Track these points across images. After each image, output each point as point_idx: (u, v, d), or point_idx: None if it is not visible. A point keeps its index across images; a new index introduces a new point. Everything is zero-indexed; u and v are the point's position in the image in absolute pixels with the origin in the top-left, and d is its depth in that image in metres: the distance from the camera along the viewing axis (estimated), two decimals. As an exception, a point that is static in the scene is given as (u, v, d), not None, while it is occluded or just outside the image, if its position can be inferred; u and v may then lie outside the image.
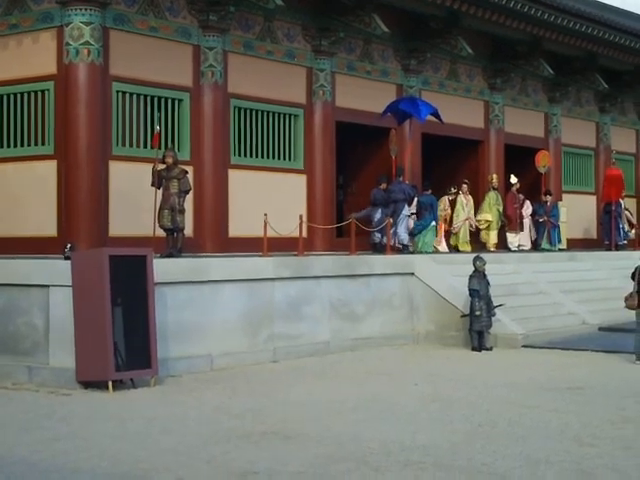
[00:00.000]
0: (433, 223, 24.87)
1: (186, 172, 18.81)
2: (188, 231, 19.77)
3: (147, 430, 12.12)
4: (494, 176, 28.37)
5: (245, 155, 22.34)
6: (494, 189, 28.07)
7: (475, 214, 27.57)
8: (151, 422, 12.63)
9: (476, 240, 27.66)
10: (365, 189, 25.12)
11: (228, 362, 17.69)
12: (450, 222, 26.53)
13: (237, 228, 21.66)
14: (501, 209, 28.05)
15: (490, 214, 27.70)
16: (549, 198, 29.77)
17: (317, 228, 23.10)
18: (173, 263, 17.53)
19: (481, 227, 27.83)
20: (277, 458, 10.57)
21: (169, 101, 20.83)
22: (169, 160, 18.55)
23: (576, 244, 32.07)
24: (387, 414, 13.22)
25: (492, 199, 27.89)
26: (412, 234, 24.49)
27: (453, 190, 26.22)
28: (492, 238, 27.84)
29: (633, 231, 33.65)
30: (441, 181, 26.54)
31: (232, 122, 22.02)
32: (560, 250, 29.78)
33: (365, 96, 25.15)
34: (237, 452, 10.87)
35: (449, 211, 26.23)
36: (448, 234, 26.54)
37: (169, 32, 20.79)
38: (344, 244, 22.61)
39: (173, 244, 18.57)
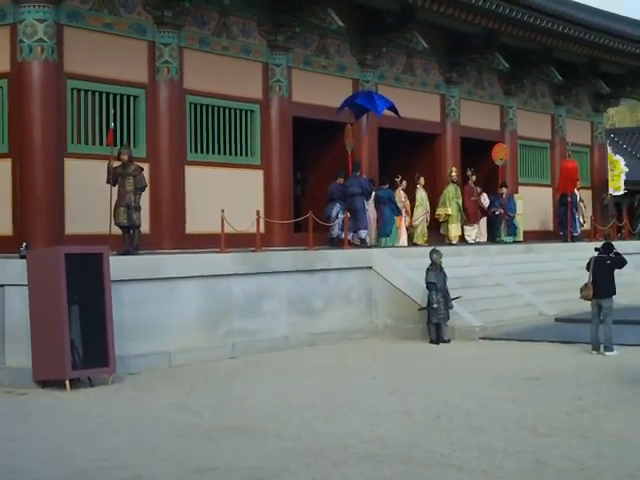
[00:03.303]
0: (394, 217, 24.95)
1: (142, 169, 18.71)
2: (144, 228, 19.65)
3: (105, 428, 12.09)
4: (453, 169, 28.48)
5: (201, 151, 22.26)
6: (453, 182, 28.17)
7: (435, 207, 27.66)
8: (109, 420, 12.60)
9: (436, 233, 27.76)
10: (322, 184, 25.14)
11: (186, 359, 17.68)
12: (411, 215, 26.57)
13: (194, 225, 21.59)
14: (460, 202, 28.15)
15: (450, 207, 27.80)
16: (505, 190, 29.92)
17: (275, 223, 23.08)
18: (130, 260, 17.47)
19: (441, 220, 27.92)
20: (236, 454, 10.59)
21: (124, 98, 20.70)
22: (124, 157, 18.45)
23: (532, 236, 32.28)
24: (346, 408, 13.26)
25: (451, 192, 27.98)
26: (377, 233, 24.59)
27: (397, 180, 26.07)
28: (453, 231, 27.94)
29: (587, 222, 33.87)
30: (399, 175, 26.53)
31: (188, 118, 21.91)
32: (516, 242, 29.96)
33: (321, 91, 25.14)
34: (195, 448, 10.86)
35: (407, 202, 26.25)
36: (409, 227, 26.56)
37: (124, 28, 20.66)
38: (302, 239, 22.62)
39: (129, 242, 18.47)
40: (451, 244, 27.08)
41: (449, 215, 27.81)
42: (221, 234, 19.69)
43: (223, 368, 17.31)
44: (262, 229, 21.39)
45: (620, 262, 19.22)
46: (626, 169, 37.29)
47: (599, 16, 32.44)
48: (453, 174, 28.22)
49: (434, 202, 27.73)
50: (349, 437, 11.35)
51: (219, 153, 22.65)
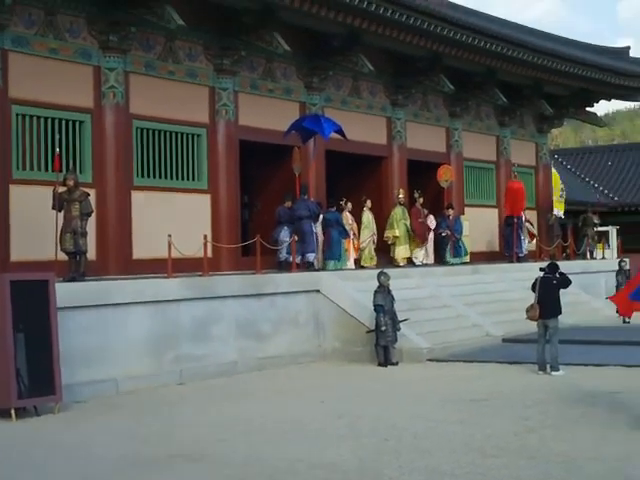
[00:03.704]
0: (342, 240, 25.00)
1: (88, 194, 18.60)
2: (91, 254, 19.54)
3: (51, 458, 11.98)
4: (400, 191, 28.59)
5: (148, 176, 22.18)
6: (400, 204, 28.29)
7: (382, 230, 27.76)
8: (55, 449, 12.48)
9: (384, 255, 27.85)
10: (270, 207, 25.15)
11: (134, 385, 17.56)
12: (358, 237, 26.64)
13: (141, 250, 21.49)
14: (408, 224, 28.27)
15: (397, 229, 27.91)
16: (451, 212, 30.11)
17: (222, 248, 23.04)
18: (76, 287, 17.37)
19: (389, 243, 28.01)
20: (184, 481, 10.56)
21: (70, 123, 20.60)
22: (70, 183, 18.34)
23: (479, 257, 32.51)
24: (294, 433, 13.26)
25: (398, 214, 28.10)
26: (324, 256, 24.63)
27: (342, 203, 26.13)
28: (401, 253, 28.04)
29: (534, 241, 34.18)
30: (346, 198, 26.61)
31: (135, 143, 21.85)
32: (463, 263, 30.13)
33: (268, 114, 25.18)
34: (144, 477, 10.81)
35: (354, 225, 26.33)
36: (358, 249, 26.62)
37: (69, 53, 20.59)
38: (250, 263, 22.59)
39: (76, 268, 18.34)
40: (399, 266, 27.18)
41: (397, 237, 27.93)
42: (168, 259, 19.63)
43: (171, 394, 17.22)
44: (210, 253, 21.35)
45: (565, 282, 19.41)
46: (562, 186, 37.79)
47: (542, 38, 32.89)
48: (400, 196, 28.34)
49: (381, 224, 27.84)
50: (298, 462, 11.34)
51: (166, 178, 22.58)
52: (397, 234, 27.90)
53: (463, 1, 30.03)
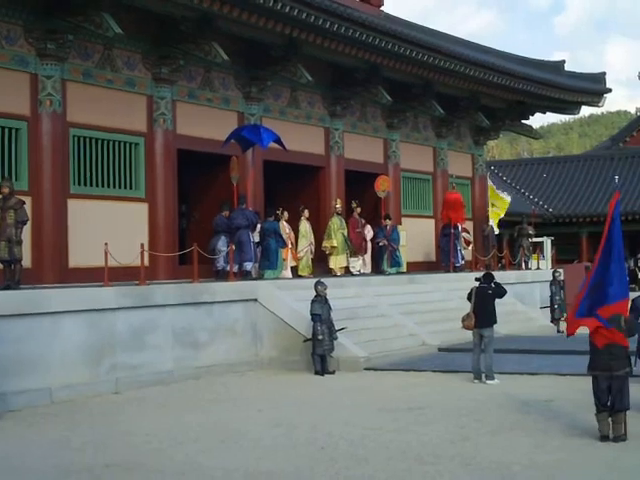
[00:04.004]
0: (279, 249, 25.01)
1: (23, 202, 18.44)
2: (26, 262, 19.38)
3: (-15, 467, 11.86)
4: (338, 201, 28.65)
5: (85, 184, 22.01)
6: (338, 214, 28.36)
7: (319, 239, 27.80)
8: (-11, 459, 12.35)
9: (322, 265, 27.90)
10: (208, 216, 25.10)
11: (69, 395, 17.41)
12: (296, 247, 26.67)
13: (77, 258, 21.34)
14: (345, 234, 28.34)
15: (335, 239, 27.96)
16: (389, 222, 30.27)
17: (159, 256, 22.94)
18: (10, 295, 17.19)
19: (327, 253, 28.06)
20: (119, 490, 10.50)
21: (6, 130, 20.39)
22: (5, 190, 18.17)
23: (416, 267, 32.71)
24: (231, 441, 13.25)
25: (336, 224, 28.15)
26: (261, 266, 24.62)
27: (278, 212, 26.13)
28: (339, 263, 28.10)
29: (470, 247, 34.40)
30: (283, 207, 26.63)
31: (71, 151, 21.67)
32: (400, 273, 30.29)
33: (207, 124, 25.14)
34: (79, 486, 10.74)
35: (292, 234, 26.35)
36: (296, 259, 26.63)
37: (5, 61, 20.37)
38: (187, 272, 22.50)
39: (10, 276, 18.16)
40: (336, 276, 27.25)
41: (334, 247, 27.98)
42: (105, 268, 19.51)
43: (106, 403, 17.10)
44: (147, 262, 21.26)
45: (500, 292, 19.61)
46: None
47: (479, 51, 33.27)
48: (338, 206, 28.40)
49: (319, 234, 27.89)
50: (234, 471, 11.34)
51: (103, 186, 22.43)
52: (335, 244, 27.94)
53: (402, 13, 30.36)
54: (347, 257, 28.31)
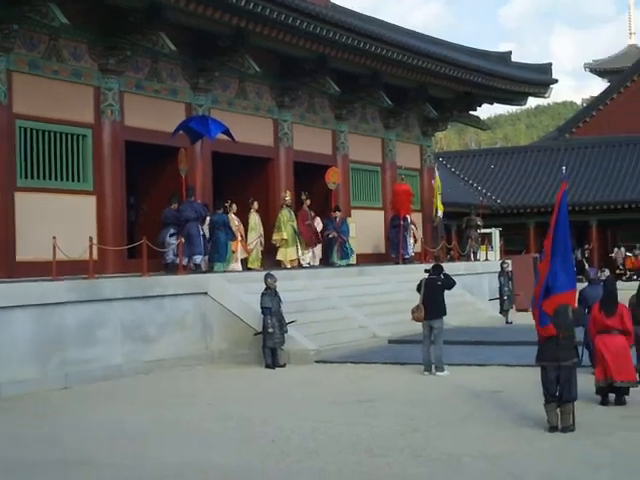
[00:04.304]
0: (229, 242, 24.93)
1: (-31, 196, 18.26)
2: (-27, 256, 19.20)
3: None
4: (287, 193, 28.57)
5: (32, 177, 21.78)
6: (287, 206, 28.29)
7: (268, 232, 27.71)
8: (-64, 456, 12.21)
9: (272, 257, 27.83)
10: (157, 209, 24.94)
11: (18, 390, 17.23)
12: (245, 239, 26.57)
13: (25, 252, 21.09)
14: (295, 226, 28.27)
15: (285, 232, 27.89)
16: (338, 214, 30.26)
17: (108, 250, 22.75)
18: (-43, 290, 17.01)
19: (277, 245, 27.98)
20: (69, 486, 10.42)
21: (-50, 122, 20.19)
22: (-49, 184, 17.98)
23: (365, 259, 32.75)
24: (182, 435, 13.19)
25: (285, 216, 28.06)
26: (211, 259, 24.51)
27: (227, 205, 26.03)
28: (289, 255, 28.03)
29: (417, 242, 34.45)
30: (232, 199, 26.52)
31: (18, 143, 21.43)
32: (350, 265, 30.31)
33: (154, 115, 24.97)
34: (27, 482, 10.65)
35: (241, 226, 26.24)
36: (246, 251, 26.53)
37: (-47, 52, 20.18)
38: (136, 265, 22.35)
39: (-43, 270, 17.99)
40: (286, 268, 27.20)
41: (284, 239, 27.90)
42: (53, 261, 19.33)
43: (56, 399, 16.96)
44: (95, 256, 21.07)
45: (449, 283, 19.69)
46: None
47: (427, 42, 33.36)
48: (287, 198, 28.31)
49: (268, 226, 27.81)
50: (184, 465, 11.29)
51: (50, 179, 22.21)
52: (284, 236, 27.86)
53: (350, 4, 30.34)
54: (297, 249, 28.23)
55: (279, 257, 27.93)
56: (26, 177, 21.64)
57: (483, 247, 39.27)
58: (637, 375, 15.42)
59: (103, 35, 23.30)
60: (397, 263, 32.10)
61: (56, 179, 22.36)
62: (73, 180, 22.85)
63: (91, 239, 20.78)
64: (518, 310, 30.27)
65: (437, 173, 38.08)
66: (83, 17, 22.53)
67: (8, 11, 20.72)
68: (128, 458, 11.78)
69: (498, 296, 30.80)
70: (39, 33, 21.93)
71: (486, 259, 38.58)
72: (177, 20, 23.76)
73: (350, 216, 32.27)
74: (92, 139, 23.30)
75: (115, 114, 23.74)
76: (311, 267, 28.48)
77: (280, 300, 20.93)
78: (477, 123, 42.73)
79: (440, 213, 37.07)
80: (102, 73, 23.53)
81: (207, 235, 24.51)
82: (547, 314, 13.06)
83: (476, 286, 33.36)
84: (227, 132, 24.37)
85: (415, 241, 34.01)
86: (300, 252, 28.39)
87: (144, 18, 22.97)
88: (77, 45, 22.96)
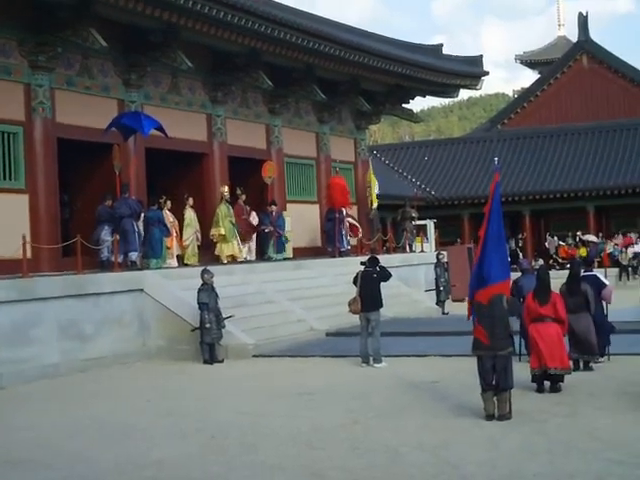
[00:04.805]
0: (163, 238, 24.81)
1: None
2: None
3: None
4: (225, 188, 28.46)
5: (-38, 175, 21.55)
6: (226, 201, 28.20)
7: (204, 227, 27.61)
8: None
9: (210, 253, 27.73)
10: (91, 206, 24.70)
11: (-49, 391, 17.07)
12: (180, 235, 26.46)
13: (-44, 251, 20.87)
14: (233, 221, 28.17)
15: (222, 227, 27.80)
16: (274, 208, 30.24)
17: (42, 248, 22.49)
18: None
19: (215, 240, 27.88)
20: (7, 487, 10.32)
21: None
22: None
23: (302, 252, 32.76)
24: (120, 433, 13.13)
25: (223, 212, 27.94)
26: (146, 255, 24.36)
27: (161, 201, 25.90)
28: (226, 250, 27.93)
29: (359, 234, 34.53)
30: (167, 195, 26.38)
31: (-53, 142, 21.19)
32: (286, 259, 30.32)
33: (86, 112, 24.72)
34: (-36, 485, 10.53)
35: (175, 222, 26.13)
36: (181, 248, 26.43)
37: None
38: (71, 263, 22.15)
39: None
40: (222, 263, 27.10)
41: (222, 235, 27.80)
42: (-16, 261, 19.14)
43: (-9, 399, 16.81)
44: (29, 254, 20.84)
45: (385, 275, 19.78)
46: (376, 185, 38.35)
47: (359, 35, 33.43)
48: (225, 193, 28.24)
49: (203, 222, 27.71)
50: (124, 462, 11.25)
51: (-19, 177, 21.96)
52: (222, 232, 27.76)
53: (282, -1, 30.28)
54: (236, 244, 28.10)
55: (217, 252, 27.83)
56: (-44, 176, 21.35)
57: (418, 239, 39.47)
58: (570, 362, 15.67)
59: (33, 31, 23.03)
60: (333, 256, 32.15)
61: (-13, 178, 22.09)
62: (5, 178, 22.57)
63: (24, 237, 20.56)
64: (454, 300, 30.50)
65: (371, 166, 38.23)
66: (11, 13, 22.25)
67: None
68: (66, 458, 11.70)
69: (434, 287, 31.02)
70: (-34, 31, 21.64)
71: (421, 250, 38.79)
72: (107, 15, 23.54)
73: (286, 210, 32.25)
74: (23, 137, 23.03)
75: (46, 111, 23.49)
76: (248, 262, 28.41)
77: (217, 295, 20.90)
78: (410, 116, 42.90)
79: (375, 205, 37.23)
80: (32, 70, 23.27)
81: (142, 232, 24.36)
82: (480, 304, 13.21)
83: (412, 277, 33.54)
84: (160, 128, 24.24)
85: (358, 231, 34.08)
86: (240, 246, 28.29)
87: (74, 14, 22.74)
88: (6, 42, 22.67)
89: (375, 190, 37.48)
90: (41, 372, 19.04)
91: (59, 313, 19.93)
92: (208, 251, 27.75)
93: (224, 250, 27.79)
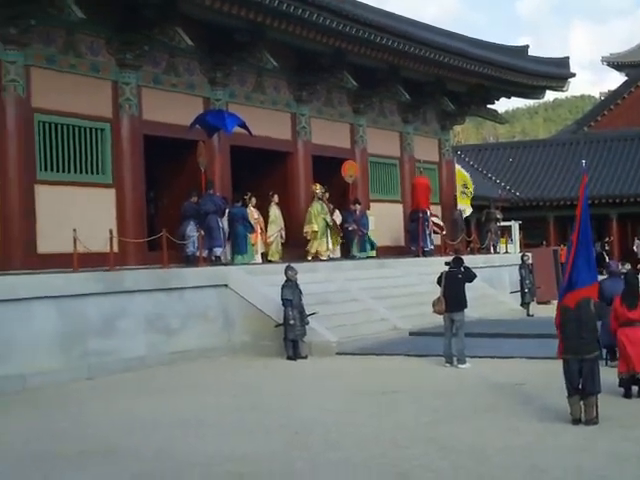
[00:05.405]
0: (248, 234, 24.95)
1: (-10, 189, 18.31)
2: (-5, 249, 19.26)
3: (-43, 456, 11.75)
4: (318, 186, 28.52)
5: (52, 170, 21.80)
6: (319, 199, 28.27)
7: (289, 225, 27.72)
8: (-39, 447, 12.24)
9: (293, 250, 27.81)
10: (176, 202, 24.98)
11: (42, 381, 17.32)
12: (265, 232, 26.59)
13: (46, 245, 21.12)
14: (327, 218, 28.24)
15: (316, 224, 27.89)
16: (358, 207, 30.23)
17: (129, 243, 22.77)
18: (-20, 282, 17.06)
19: (308, 238, 27.99)
20: (96, 477, 10.43)
21: (-32, 116, 20.23)
22: (-28, 177, 18.03)
23: (385, 251, 32.67)
24: (205, 427, 13.20)
25: (316, 209, 28.06)
26: (231, 251, 24.53)
27: (246, 198, 26.03)
28: (320, 247, 28.01)
29: (443, 232, 34.38)
30: (251, 193, 26.50)
31: (37, 137, 21.44)
32: (370, 258, 30.28)
33: (172, 109, 24.94)
34: (55, 473, 10.66)
35: (260, 219, 26.26)
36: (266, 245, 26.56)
37: (-31, 47, 20.21)
38: (157, 258, 22.35)
39: (-21, 263, 18.04)
40: (314, 260, 27.20)
41: (315, 232, 27.91)
42: (74, 254, 19.38)
43: (79, 390, 17.02)
44: (116, 248, 21.11)
45: (470, 276, 19.64)
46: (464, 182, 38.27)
47: (444, 36, 33.19)
48: (318, 191, 28.32)
49: (287, 219, 27.81)
50: (210, 456, 11.29)
51: (70, 172, 22.22)
52: (315, 229, 27.89)
53: (365, -2, 30.18)
54: (327, 242, 28.12)
55: (310, 249, 27.91)
56: (45, 170, 21.66)
57: (503, 240, 39.18)
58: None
59: (120, 30, 23.30)
60: (417, 256, 32.05)
61: (75, 172, 22.38)
62: (93, 173, 22.87)
63: (111, 232, 20.83)
64: (539, 303, 30.20)
65: (459, 166, 38.08)
66: (100, 12, 22.48)
67: (26, 7, 20.73)
68: (154, 449, 11.79)
69: (519, 289, 30.73)
70: (56, 28, 21.90)
71: (506, 252, 38.50)
72: (193, 14, 23.73)
73: (369, 209, 32.22)
74: (111, 133, 23.32)
75: (133, 108, 23.75)
76: (332, 259, 28.43)
77: (301, 292, 20.95)
78: (495, 117, 42.57)
79: (460, 206, 37.05)
80: (119, 67, 23.54)
81: (226, 228, 24.54)
82: (567, 308, 13.06)
83: (496, 279, 33.24)
84: (243, 125, 24.38)
85: (442, 230, 33.93)
86: (331, 245, 28.33)
87: (160, 13, 22.94)
88: (94, 40, 22.96)
89: (470, 190, 37.44)
90: (127, 364, 19.28)
91: (145, 306, 20.16)
92: (291, 248, 27.83)
93: (318, 247, 27.85)
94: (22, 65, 20.99)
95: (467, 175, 39.09)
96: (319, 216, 27.94)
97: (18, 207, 20.70)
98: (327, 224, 28.09)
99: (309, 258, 27.56)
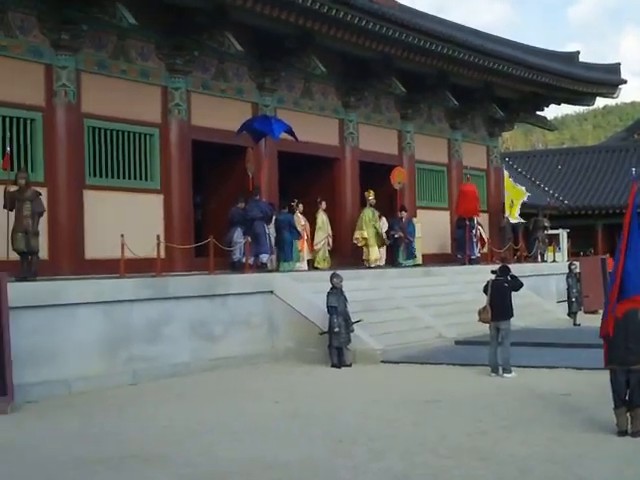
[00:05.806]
0: (294, 241, 25.00)
1: (39, 194, 18.45)
2: (43, 254, 19.42)
3: (3, 459, 11.84)
4: (370, 193, 28.55)
5: (101, 175, 22.01)
6: (370, 206, 28.28)
7: (336, 232, 27.74)
8: (6, 451, 12.34)
9: (340, 257, 27.85)
10: (223, 208, 25.07)
11: (86, 386, 17.43)
12: (312, 239, 26.63)
13: (94, 250, 21.33)
14: (378, 225, 28.23)
15: (366, 231, 27.91)
16: (404, 214, 30.17)
17: (175, 248, 22.91)
18: (28, 287, 17.19)
19: (359, 244, 28.01)
20: (137, 482, 10.49)
21: (21, 121, 20.39)
22: (21, 182, 18.18)
23: (431, 259, 32.61)
24: (248, 433, 13.21)
25: (368, 216, 28.08)
26: (278, 258, 24.59)
27: (293, 204, 26.06)
28: (373, 254, 28.03)
29: (485, 247, 34.23)
30: (298, 199, 26.57)
31: (86, 142, 21.66)
32: (416, 265, 30.20)
33: (221, 115, 25.09)
34: (96, 478, 10.71)
35: (307, 226, 26.29)
36: (312, 251, 26.59)
37: (20, 51, 20.39)
38: (203, 264, 22.47)
39: (27, 267, 18.18)
40: (370, 267, 27.24)
41: (365, 238, 27.93)
42: (121, 259, 19.52)
43: (123, 395, 17.10)
44: (163, 254, 21.25)
45: (516, 285, 19.52)
46: (528, 194, 38.07)
47: (493, 42, 33.10)
48: (370, 198, 28.35)
49: (334, 226, 27.83)
50: (251, 463, 11.31)
51: (118, 177, 22.42)
52: (365, 235, 27.92)
53: (416, 4, 30.19)
54: (377, 250, 28.16)
55: (364, 256, 27.98)
56: (94, 175, 21.86)
57: (550, 248, 38.93)
58: None
59: (170, 35, 23.47)
60: (463, 264, 31.93)
61: (124, 178, 22.57)
62: (141, 179, 23.05)
63: (158, 237, 20.95)
64: (586, 312, 29.94)
65: (507, 173, 37.91)
66: (150, 18, 22.68)
67: (77, 12, 21.00)
68: (195, 454, 11.83)
69: (566, 298, 30.49)
70: (107, 33, 22.15)
71: (553, 260, 38.25)
72: (243, 20, 23.83)
73: (416, 216, 32.16)
74: (159, 138, 23.49)
75: (182, 113, 23.90)
76: (377, 267, 28.41)
77: (346, 299, 20.92)
78: (544, 124, 42.32)
79: (507, 213, 36.87)
80: (169, 73, 23.71)
81: (273, 234, 24.59)
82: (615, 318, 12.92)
83: (543, 287, 33.05)
84: (290, 131, 24.43)
85: (483, 244, 33.77)
86: (379, 253, 28.35)
87: (210, 19, 23.08)
88: (144, 45, 23.16)
89: (523, 198, 37.31)
90: (172, 370, 19.36)
91: (190, 312, 20.22)
92: (338, 255, 27.84)
93: (370, 254, 27.91)
94: (73, 70, 21.23)
95: (522, 190, 38.54)
96: (370, 223, 27.96)
97: (67, 212, 20.90)
98: (377, 231, 28.07)
99: (372, 265, 27.53)
